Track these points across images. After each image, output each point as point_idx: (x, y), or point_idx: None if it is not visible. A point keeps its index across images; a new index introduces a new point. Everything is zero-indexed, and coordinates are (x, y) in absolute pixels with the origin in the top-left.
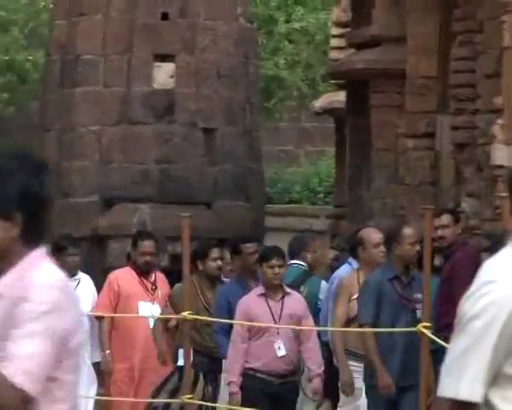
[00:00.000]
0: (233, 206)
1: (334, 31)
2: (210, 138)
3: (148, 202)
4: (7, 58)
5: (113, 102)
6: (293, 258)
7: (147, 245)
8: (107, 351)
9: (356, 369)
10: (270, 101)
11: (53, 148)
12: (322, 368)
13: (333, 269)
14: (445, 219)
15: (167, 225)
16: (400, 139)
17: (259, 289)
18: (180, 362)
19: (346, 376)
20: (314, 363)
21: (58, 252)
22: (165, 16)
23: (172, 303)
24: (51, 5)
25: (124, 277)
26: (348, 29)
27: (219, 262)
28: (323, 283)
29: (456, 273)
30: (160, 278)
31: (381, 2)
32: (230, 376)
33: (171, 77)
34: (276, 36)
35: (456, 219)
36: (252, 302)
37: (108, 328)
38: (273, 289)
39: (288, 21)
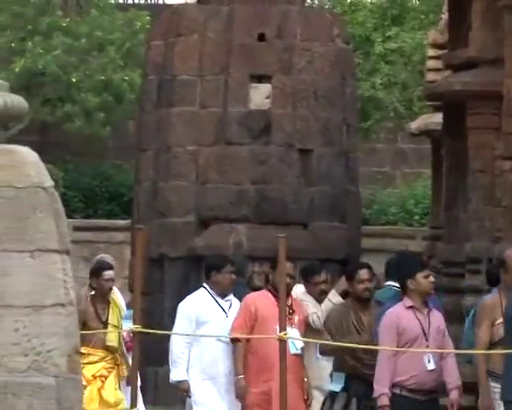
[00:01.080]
0: (329, 227)
1: (431, 52)
2: (306, 159)
3: (244, 223)
4: (103, 78)
5: (209, 123)
6: (388, 279)
7: (287, 267)
8: (241, 376)
9: (498, 390)
10: (367, 122)
11: (149, 168)
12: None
13: None
14: None
15: (263, 245)
16: (497, 161)
17: (407, 302)
18: (332, 387)
19: (488, 400)
20: (452, 376)
21: (217, 269)
22: (261, 37)
23: (326, 326)
24: (148, 26)
25: (261, 300)
26: (445, 51)
27: (367, 284)
28: None
29: None
30: (296, 302)
31: (478, 24)
32: (381, 388)
33: (268, 98)
34: (372, 57)
35: None
36: (401, 315)
37: (243, 352)
38: (421, 302)
39: (383, 41)
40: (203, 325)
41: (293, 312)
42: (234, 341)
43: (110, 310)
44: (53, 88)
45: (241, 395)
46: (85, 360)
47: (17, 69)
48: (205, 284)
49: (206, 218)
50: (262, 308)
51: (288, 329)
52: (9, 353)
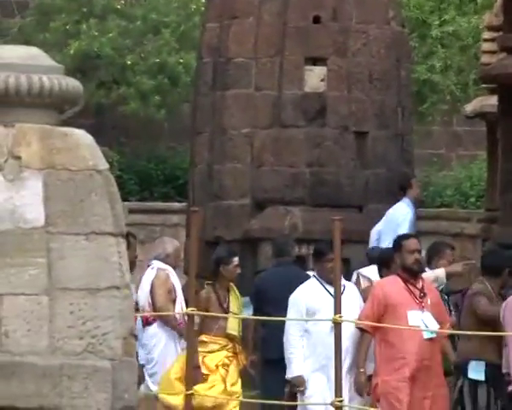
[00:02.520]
0: (384, 209)
1: (486, 35)
2: (361, 142)
3: (299, 205)
4: (158, 60)
5: (264, 105)
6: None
7: (414, 242)
8: (361, 370)
9: None
10: (423, 105)
11: (205, 150)
12: None
13: None
14: None
15: (318, 228)
16: None
17: None
18: (471, 375)
19: None
20: None
21: (317, 257)
22: (316, 19)
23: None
24: (203, 8)
25: (390, 286)
26: (500, 33)
27: None
28: None
29: None
30: (427, 284)
31: None
32: None
33: (323, 80)
34: (429, 40)
35: None
36: None
37: (368, 344)
38: None
39: (440, 25)
40: (314, 315)
41: (425, 295)
42: (361, 331)
43: (231, 297)
44: (108, 71)
45: (359, 390)
46: (207, 349)
47: (72, 52)
48: (314, 273)
49: (262, 200)
50: (391, 295)
51: (420, 313)
52: (65, 336)
